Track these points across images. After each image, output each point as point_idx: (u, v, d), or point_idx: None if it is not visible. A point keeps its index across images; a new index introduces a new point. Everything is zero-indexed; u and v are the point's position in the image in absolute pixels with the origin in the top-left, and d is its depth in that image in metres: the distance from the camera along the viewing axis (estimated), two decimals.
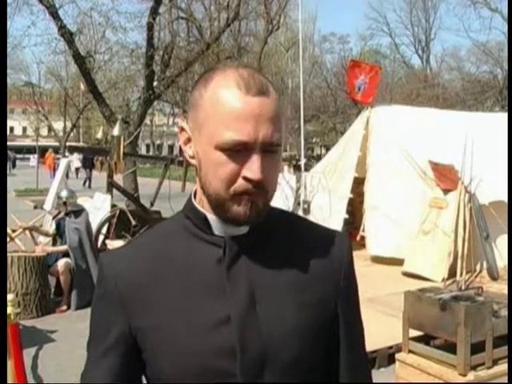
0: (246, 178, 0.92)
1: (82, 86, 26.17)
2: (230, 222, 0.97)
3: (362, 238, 8.55)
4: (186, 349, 0.94)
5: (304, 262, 1.02)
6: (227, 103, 0.92)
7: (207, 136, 0.94)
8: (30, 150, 47.44)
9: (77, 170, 29.91)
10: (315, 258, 1.03)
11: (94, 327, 1.04)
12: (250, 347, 0.94)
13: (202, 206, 1.01)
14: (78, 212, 6.79)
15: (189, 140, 1.00)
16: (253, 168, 0.92)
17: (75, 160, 27.04)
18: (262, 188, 0.94)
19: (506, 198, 6.89)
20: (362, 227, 8.67)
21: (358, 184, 9.29)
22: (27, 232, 7.23)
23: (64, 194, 6.85)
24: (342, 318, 1.04)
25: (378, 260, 8.20)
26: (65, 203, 6.75)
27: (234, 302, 0.95)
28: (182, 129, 1.01)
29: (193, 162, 1.00)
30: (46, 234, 7.06)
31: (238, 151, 0.92)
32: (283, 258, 1.01)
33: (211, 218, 0.99)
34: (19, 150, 47.55)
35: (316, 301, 1.00)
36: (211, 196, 0.96)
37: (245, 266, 0.98)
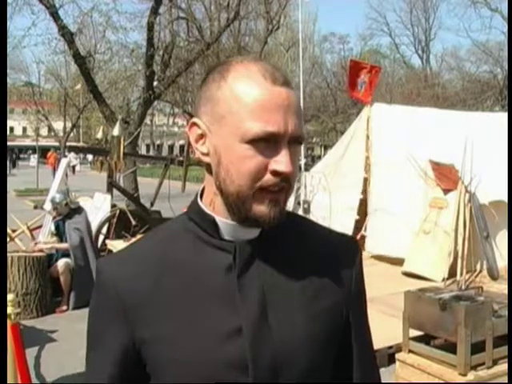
0: (275, 172, 0.87)
1: (79, 86, 26.20)
2: (251, 222, 0.91)
3: (362, 237, 8.58)
4: (195, 360, 0.89)
5: (315, 269, 0.98)
6: (254, 93, 0.87)
7: (231, 128, 0.88)
8: (11, 150, 47.52)
9: (73, 167, 30.21)
10: (327, 265, 1.00)
11: (92, 337, 0.97)
12: (263, 359, 0.90)
13: (213, 207, 0.94)
14: (78, 212, 6.79)
15: (201, 136, 0.92)
16: (283, 161, 0.87)
17: (72, 159, 27.30)
18: (289, 182, 0.90)
19: (506, 198, 6.89)
20: (363, 227, 8.70)
21: None
22: (27, 232, 7.24)
23: (57, 198, 6.76)
24: (354, 323, 1.02)
25: (378, 260, 8.20)
26: (55, 208, 6.71)
27: (245, 312, 0.91)
28: (193, 124, 0.93)
29: (206, 159, 0.93)
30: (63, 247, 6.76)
31: (265, 144, 0.87)
32: (294, 265, 0.97)
33: (220, 220, 0.94)
34: (19, 150, 47.66)
35: (328, 308, 0.97)
36: (232, 194, 0.89)
37: (255, 273, 0.93)
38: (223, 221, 0.94)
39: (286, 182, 0.89)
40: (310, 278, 0.97)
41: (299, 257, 0.99)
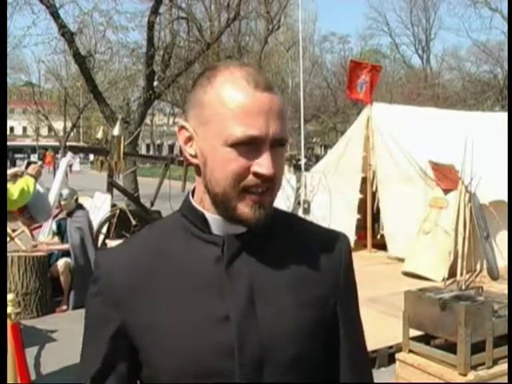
0: (256, 174, 0.92)
1: (80, 84, 26.28)
2: (236, 222, 0.95)
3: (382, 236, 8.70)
4: (183, 348, 0.93)
5: (303, 262, 1.01)
6: (237, 98, 0.91)
7: (215, 132, 0.92)
8: (25, 151, 47.33)
9: (70, 166, 30.51)
10: (315, 258, 1.03)
11: (89, 327, 1.02)
12: (249, 346, 0.93)
13: (203, 205, 0.99)
14: (80, 208, 6.80)
15: (189, 139, 0.97)
16: (264, 163, 0.91)
17: (70, 158, 27.50)
18: (272, 183, 0.94)
19: (506, 198, 6.89)
20: (381, 226, 8.75)
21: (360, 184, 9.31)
22: (27, 231, 7.23)
23: (65, 192, 6.83)
24: (342, 317, 1.04)
25: (378, 260, 8.22)
26: (61, 205, 6.75)
27: (232, 301, 0.94)
28: (182, 127, 0.98)
29: (194, 161, 0.98)
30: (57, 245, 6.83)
31: (248, 147, 0.91)
32: (282, 258, 1.00)
33: (210, 216, 0.98)
34: (19, 149, 47.49)
35: (315, 300, 1.00)
36: (217, 195, 0.94)
37: (243, 264, 0.97)
38: (212, 216, 0.98)
39: (268, 184, 0.93)
40: (297, 269, 1.00)
41: (287, 250, 1.02)
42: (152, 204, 8.94)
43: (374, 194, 8.85)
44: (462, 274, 6.71)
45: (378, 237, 8.83)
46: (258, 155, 0.92)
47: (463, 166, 6.92)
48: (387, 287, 6.46)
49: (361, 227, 9.07)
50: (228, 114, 0.91)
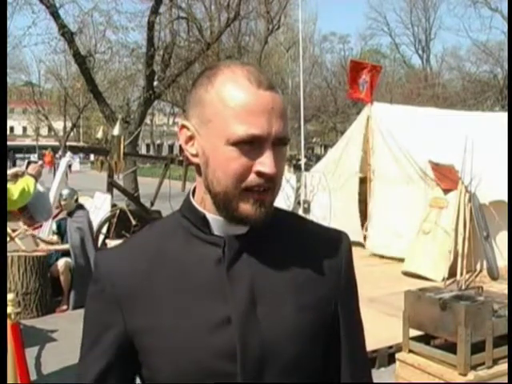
0: (259, 173, 0.91)
1: (79, 85, 26.32)
2: (237, 221, 0.94)
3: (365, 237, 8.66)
4: (185, 350, 0.93)
5: (304, 262, 1.00)
6: (239, 97, 0.91)
7: (217, 131, 0.91)
8: (29, 150, 47.35)
9: (69, 166, 30.59)
10: (315, 258, 1.02)
11: (88, 327, 1.02)
12: (251, 348, 0.92)
13: (204, 205, 0.98)
14: (80, 208, 6.80)
15: (190, 138, 0.96)
16: (267, 163, 0.91)
17: (69, 158, 27.60)
18: (273, 182, 0.93)
19: (506, 198, 6.89)
20: (364, 227, 8.74)
21: (360, 183, 9.32)
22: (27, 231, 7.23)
23: (65, 192, 6.83)
24: (343, 317, 1.03)
25: (378, 260, 8.21)
26: (61, 205, 6.75)
27: (234, 302, 0.94)
28: (183, 126, 0.97)
29: (195, 160, 0.97)
30: (50, 242, 6.92)
31: (250, 146, 0.90)
32: (283, 258, 0.99)
33: (210, 217, 0.97)
34: (19, 149, 47.41)
35: (316, 301, 0.99)
36: (219, 194, 0.94)
37: (244, 265, 0.96)
38: (213, 217, 0.97)
39: (270, 183, 0.93)
40: (299, 271, 0.99)
41: (288, 251, 1.01)
42: (152, 204, 8.94)
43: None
44: (461, 274, 6.71)
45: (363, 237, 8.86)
46: (261, 154, 0.91)
47: (463, 166, 6.91)
48: (387, 287, 6.46)
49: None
50: (230, 113, 0.90)
